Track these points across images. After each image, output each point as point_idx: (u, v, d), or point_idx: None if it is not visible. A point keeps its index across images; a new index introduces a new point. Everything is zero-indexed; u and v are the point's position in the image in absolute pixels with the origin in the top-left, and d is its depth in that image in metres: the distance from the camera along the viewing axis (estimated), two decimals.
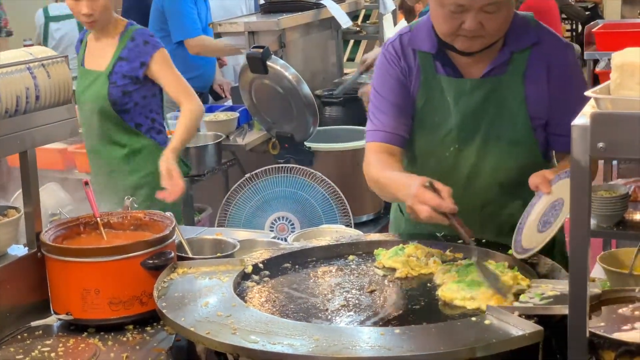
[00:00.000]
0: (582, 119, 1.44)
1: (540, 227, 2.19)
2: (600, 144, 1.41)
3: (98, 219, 2.45)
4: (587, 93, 1.51)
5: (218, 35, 5.20)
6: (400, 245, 2.36)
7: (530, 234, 2.21)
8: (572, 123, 1.43)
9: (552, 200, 2.21)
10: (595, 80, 6.19)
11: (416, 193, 2.19)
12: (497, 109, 2.43)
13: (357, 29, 7.14)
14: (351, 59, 7.94)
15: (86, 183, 2.50)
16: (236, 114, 5.03)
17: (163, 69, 3.75)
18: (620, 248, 2.51)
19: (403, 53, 2.51)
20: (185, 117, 3.75)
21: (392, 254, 2.31)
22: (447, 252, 2.35)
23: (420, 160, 2.54)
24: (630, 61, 1.51)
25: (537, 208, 2.25)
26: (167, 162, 3.57)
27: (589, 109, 1.50)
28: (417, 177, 2.26)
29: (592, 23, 6.88)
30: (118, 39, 3.76)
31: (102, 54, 3.78)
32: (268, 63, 4.54)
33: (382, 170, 2.43)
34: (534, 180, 2.24)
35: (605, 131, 1.40)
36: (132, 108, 3.77)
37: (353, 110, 5.37)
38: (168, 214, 2.48)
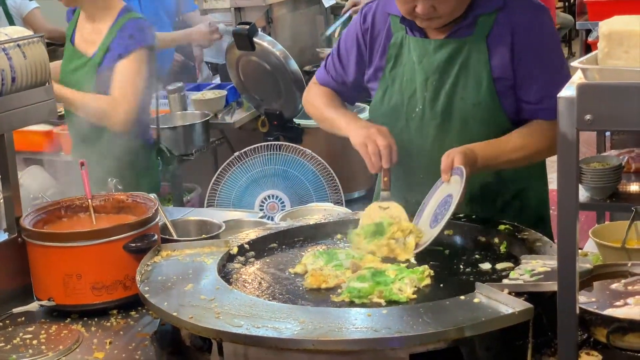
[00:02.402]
0: (568, 91, 1.39)
1: (431, 222, 2.24)
2: (588, 116, 1.35)
3: (89, 200, 2.40)
4: (574, 64, 1.45)
5: (204, 12, 5.11)
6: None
7: (425, 227, 2.25)
8: (558, 95, 1.38)
9: (445, 194, 2.23)
10: (588, 50, 6.13)
11: (370, 132, 2.35)
12: (460, 70, 2.41)
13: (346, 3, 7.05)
14: (340, 34, 7.86)
15: (82, 164, 2.44)
16: (224, 92, 4.96)
17: (130, 67, 3.51)
18: (614, 221, 2.47)
19: (374, 18, 2.57)
20: (101, 99, 3.49)
21: (371, 238, 2.24)
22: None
23: (387, 123, 2.52)
24: (618, 29, 1.46)
25: (435, 197, 2.29)
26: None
27: (576, 80, 1.45)
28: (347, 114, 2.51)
29: None
30: (110, 25, 3.58)
31: (92, 38, 3.61)
32: (255, 40, 4.47)
33: (329, 103, 2.64)
34: (443, 160, 2.27)
35: (592, 103, 1.35)
36: None
37: None
38: (152, 195, 2.43)
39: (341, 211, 2.78)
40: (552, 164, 2.65)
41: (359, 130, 2.38)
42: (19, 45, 2.26)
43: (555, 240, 1.63)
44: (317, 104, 2.67)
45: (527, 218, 2.42)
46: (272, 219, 2.75)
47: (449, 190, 2.23)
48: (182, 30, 5.50)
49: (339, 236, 2.37)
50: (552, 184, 2.69)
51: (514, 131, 2.40)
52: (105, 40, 3.57)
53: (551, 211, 2.66)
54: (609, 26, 1.47)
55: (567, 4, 12.59)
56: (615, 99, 1.33)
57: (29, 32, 2.35)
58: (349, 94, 2.71)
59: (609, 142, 4.67)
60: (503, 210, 2.53)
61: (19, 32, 2.33)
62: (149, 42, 3.61)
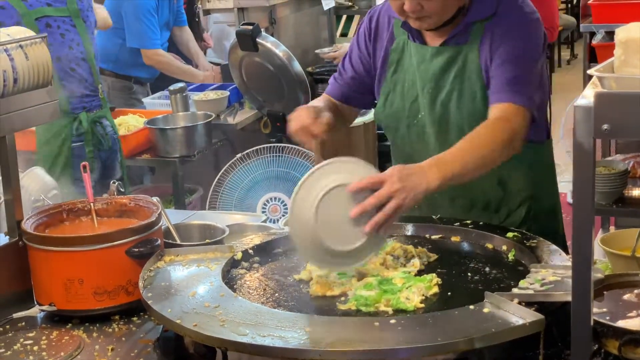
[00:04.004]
0: (585, 100, 1.36)
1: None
2: (605, 126, 1.32)
3: (92, 204, 2.37)
4: (590, 71, 1.42)
5: (207, 12, 5.10)
6: None
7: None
8: (575, 104, 1.35)
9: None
10: (592, 53, 6.10)
11: (297, 110, 2.30)
12: (455, 80, 2.38)
13: (350, 3, 7.04)
14: (344, 34, 7.83)
15: (84, 167, 2.41)
16: (226, 93, 4.94)
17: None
18: (619, 228, 2.45)
19: (378, 22, 2.55)
20: None
21: None
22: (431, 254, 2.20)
23: (391, 127, 2.52)
24: (635, 37, 1.43)
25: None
26: None
27: (591, 89, 1.42)
28: (313, 103, 2.43)
29: None
30: None
31: None
32: (258, 40, 4.44)
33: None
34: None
35: (610, 112, 1.31)
36: None
37: None
38: (155, 199, 2.40)
39: None
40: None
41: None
42: (21, 46, 2.22)
43: (570, 250, 1.60)
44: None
45: (531, 230, 2.34)
46: (274, 222, 2.71)
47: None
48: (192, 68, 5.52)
49: None
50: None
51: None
52: None
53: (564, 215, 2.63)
54: (626, 33, 1.44)
55: (569, 5, 12.56)
56: (635, 108, 1.30)
57: (32, 33, 2.31)
58: (356, 95, 2.61)
59: (614, 146, 4.64)
60: (507, 219, 2.48)
61: (22, 32, 2.29)
62: None
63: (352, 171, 2.04)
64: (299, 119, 2.27)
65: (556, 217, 2.59)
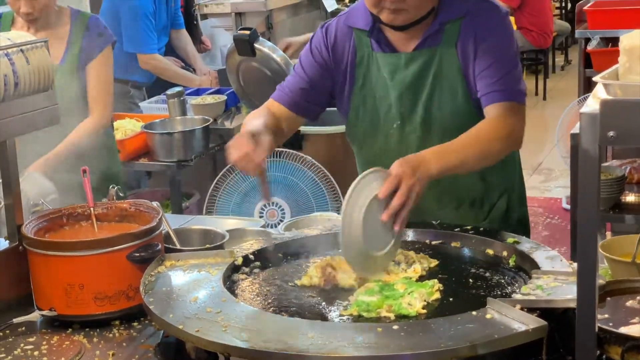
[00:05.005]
0: (590, 107, 1.36)
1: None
2: (611, 133, 1.33)
3: (92, 209, 2.36)
4: (595, 78, 1.43)
5: (204, 17, 5.09)
6: None
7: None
8: (581, 111, 1.35)
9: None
10: (587, 59, 6.11)
11: (236, 138, 2.23)
12: (435, 81, 2.41)
13: (345, 8, 7.04)
14: None
15: (84, 171, 2.40)
16: (224, 97, 4.93)
17: (103, 67, 3.56)
18: (615, 234, 2.45)
19: (337, 34, 2.51)
20: (86, 128, 3.52)
21: None
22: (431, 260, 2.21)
23: (367, 141, 2.53)
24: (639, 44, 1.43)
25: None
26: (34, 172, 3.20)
27: (596, 96, 1.42)
28: (253, 124, 2.30)
29: (582, 1, 6.78)
30: (69, 29, 3.54)
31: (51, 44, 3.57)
32: (256, 45, 4.45)
33: (251, 116, 2.46)
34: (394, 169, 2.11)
35: (616, 119, 1.32)
36: None
37: None
38: (155, 204, 2.39)
39: None
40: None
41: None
42: (22, 50, 2.22)
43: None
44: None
45: (510, 220, 2.42)
46: (273, 227, 2.71)
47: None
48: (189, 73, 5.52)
49: None
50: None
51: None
52: (74, 42, 3.52)
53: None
54: (631, 41, 1.45)
55: (563, 11, 12.60)
56: None
57: (32, 37, 2.30)
58: (307, 104, 2.56)
59: (610, 152, 4.65)
60: (490, 214, 2.56)
61: (22, 36, 2.29)
62: (114, 37, 3.67)
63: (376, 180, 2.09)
64: (239, 147, 2.20)
65: (525, 204, 2.70)
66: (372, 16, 2.42)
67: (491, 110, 2.34)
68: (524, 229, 2.63)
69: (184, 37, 5.65)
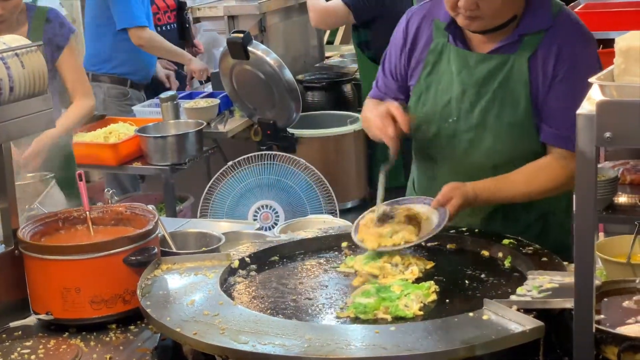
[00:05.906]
0: (587, 108, 1.37)
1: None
2: (608, 134, 1.34)
3: (87, 212, 2.36)
4: (591, 80, 1.44)
5: (197, 20, 5.09)
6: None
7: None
8: (577, 112, 1.36)
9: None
10: None
11: (388, 106, 2.35)
12: (499, 88, 2.38)
13: None
14: (330, 42, 7.85)
15: (80, 175, 2.40)
16: (217, 101, 4.93)
17: (73, 56, 3.61)
18: (608, 234, 2.46)
19: (420, 20, 2.53)
20: (77, 108, 3.63)
21: (368, 259, 2.20)
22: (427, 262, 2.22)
23: (422, 127, 2.51)
24: (635, 45, 1.44)
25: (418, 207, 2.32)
26: (39, 144, 3.38)
27: (592, 97, 1.43)
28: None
29: (573, 3, 6.81)
30: (28, 23, 3.52)
31: None
32: (249, 48, 4.45)
33: (371, 109, 2.53)
34: (442, 192, 2.28)
35: (613, 120, 1.33)
36: None
37: (336, 95, 5.28)
38: (151, 207, 2.39)
39: (341, 224, 2.75)
40: None
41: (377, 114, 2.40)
42: (17, 54, 2.22)
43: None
44: (364, 116, 2.61)
45: (546, 243, 2.34)
46: (267, 230, 2.71)
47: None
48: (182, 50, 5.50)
49: (344, 244, 2.34)
50: None
51: (522, 168, 2.36)
52: (33, 37, 3.44)
53: None
54: (627, 42, 1.45)
55: None
56: (637, 116, 1.31)
57: (27, 41, 2.30)
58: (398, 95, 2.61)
59: (603, 153, 4.66)
60: (525, 231, 2.44)
61: (17, 40, 2.29)
62: (74, 27, 3.71)
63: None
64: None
65: (566, 232, 2.58)
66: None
67: (556, 154, 2.35)
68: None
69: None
